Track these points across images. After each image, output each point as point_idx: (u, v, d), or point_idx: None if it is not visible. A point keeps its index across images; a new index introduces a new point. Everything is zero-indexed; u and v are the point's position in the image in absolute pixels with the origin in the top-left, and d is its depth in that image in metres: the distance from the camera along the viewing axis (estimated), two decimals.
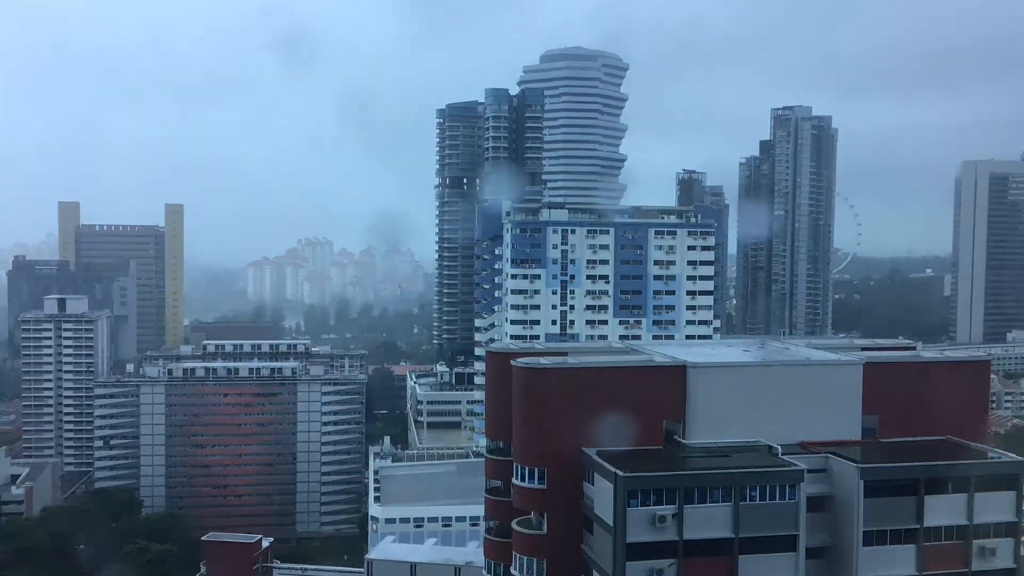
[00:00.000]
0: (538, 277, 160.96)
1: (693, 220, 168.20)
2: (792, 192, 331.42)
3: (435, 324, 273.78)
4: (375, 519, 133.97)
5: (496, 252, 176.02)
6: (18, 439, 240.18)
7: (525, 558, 57.98)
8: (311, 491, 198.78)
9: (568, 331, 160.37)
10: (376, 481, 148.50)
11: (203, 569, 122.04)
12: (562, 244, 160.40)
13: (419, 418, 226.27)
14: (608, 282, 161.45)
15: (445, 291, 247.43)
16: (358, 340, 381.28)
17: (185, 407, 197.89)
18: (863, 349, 66.87)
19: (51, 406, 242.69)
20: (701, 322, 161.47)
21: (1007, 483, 55.95)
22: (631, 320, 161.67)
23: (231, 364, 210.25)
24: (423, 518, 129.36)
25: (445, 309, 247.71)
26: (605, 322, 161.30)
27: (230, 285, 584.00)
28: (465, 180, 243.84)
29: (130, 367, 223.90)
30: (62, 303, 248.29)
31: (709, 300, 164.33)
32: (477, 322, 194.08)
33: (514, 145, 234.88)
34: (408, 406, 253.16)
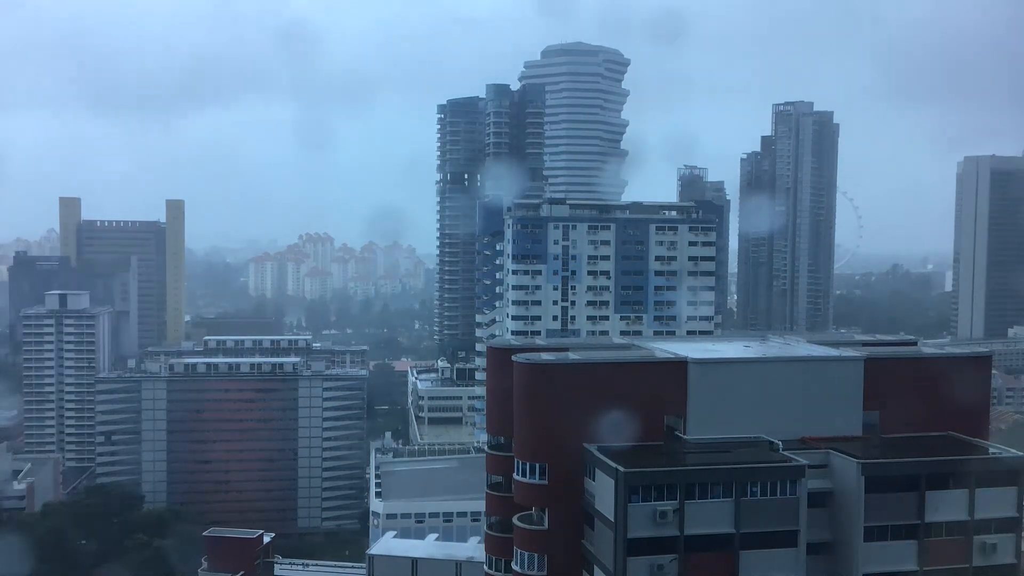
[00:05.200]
0: (539, 273, 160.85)
1: (694, 216, 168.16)
2: (793, 188, 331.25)
3: (436, 320, 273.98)
4: (376, 514, 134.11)
5: (497, 248, 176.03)
6: (19, 435, 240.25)
7: (526, 554, 58.01)
8: (312, 486, 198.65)
9: (569, 327, 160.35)
10: (377, 476, 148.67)
11: (204, 564, 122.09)
12: (563, 240, 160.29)
13: (420, 414, 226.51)
14: (609, 278, 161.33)
15: (446, 287, 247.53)
16: (359, 336, 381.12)
17: (186, 403, 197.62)
18: (864, 345, 66.78)
19: (52, 402, 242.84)
20: (702, 318, 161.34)
21: (1008, 479, 55.96)
22: (632, 316, 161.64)
23: (232, 360, 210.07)
24: (424, 513, 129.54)
25: (446, 305, 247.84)
26: (606, 318, 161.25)
27: (231, 281, 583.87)
28: (466, 176, 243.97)
29: (131, 363, 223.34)
30: (63, 299, 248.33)
31: (710, 296, 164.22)
32: (478, 318, 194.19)
33: (515, 141, 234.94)
34: (409, 402, 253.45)
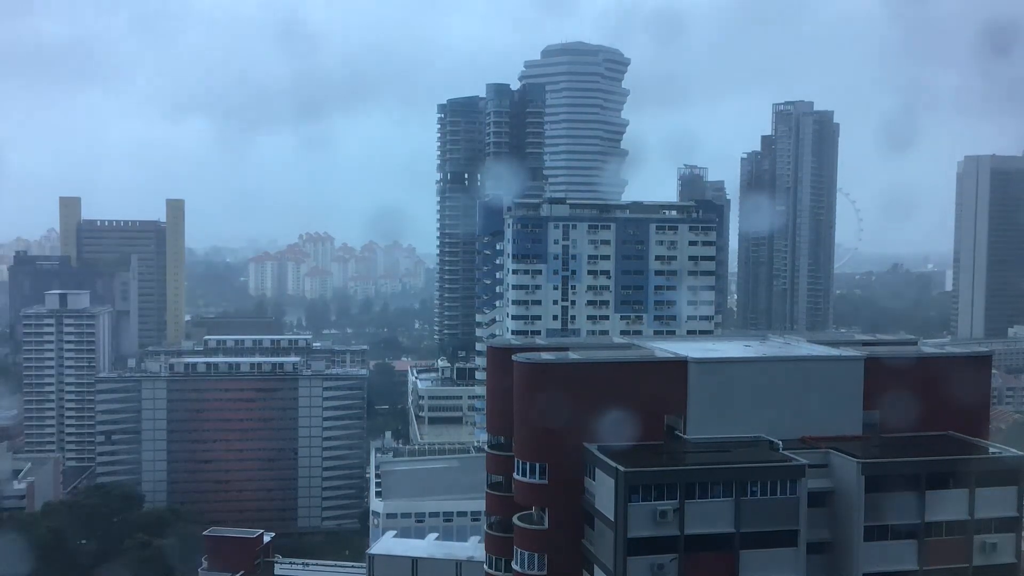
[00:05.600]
0: (539, 272, 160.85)
1: (694, 215, 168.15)
2: (793, 187, 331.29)
3: (436, 319, 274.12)
4: (376, 514, 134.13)
5: (497, 248, 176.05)
6: (19, 434, 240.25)
7: (526, 553, 58.02)
8: (312, 486, 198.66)
9: (569, 326, 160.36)
10: (377, 476, 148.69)
11: (205, 564, 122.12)
12: (563, 239, 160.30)
13: (420, 413, 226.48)
14: (609, 277, 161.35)
15: (446, 286, 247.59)
16: (359, 335, 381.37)
17: (186, 402, 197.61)
18: (864, 344, 66.79)
19: (52, 401, 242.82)
20: (702, 317, 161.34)
21: (1008, 478, 55.99)
22: (632, 316, 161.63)
23: (232, 359, 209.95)
24: (424, 513, 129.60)
25: (446, 304, 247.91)
26: (606, 317, 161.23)
27: (231, 280, 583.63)
28: (466, 175, 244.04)
29: (131, 362, 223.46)
30: (63, 298, 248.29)
31: (710, 295, 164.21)
32: (478, 317, 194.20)
33: (515, 140, 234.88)
34: (409, 401, 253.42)
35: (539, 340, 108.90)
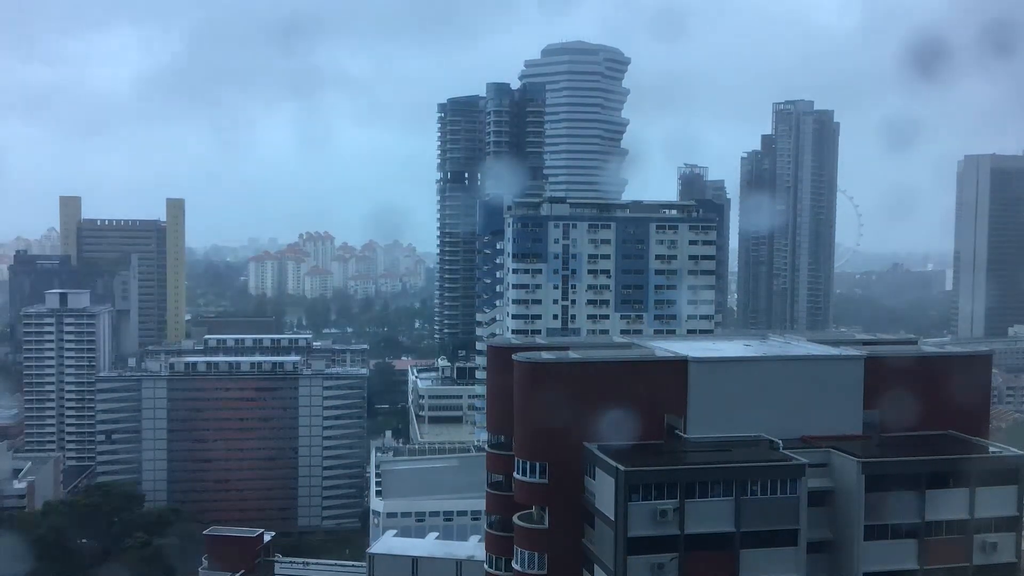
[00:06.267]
0: (539, 271, 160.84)
1: (694, 215, 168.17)
2: (794, 186, 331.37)
3: (436, 318, 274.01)
4: (376, 513, 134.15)
5: (497, 247, 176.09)
6: (20, 434, 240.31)
7: (526, 552, 58.05)
8: (312, 485, 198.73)
9: (569, 326, 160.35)
10: (378, 475, 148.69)
11: (205, 563, 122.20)
12: (563, 239, 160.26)
13: (420, 412, 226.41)
14: (609, 276, 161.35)
15: (446, 285, 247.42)
16: (359, 334, 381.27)
17: (187, 402, 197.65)
18: (864, 344, 66.78)
19: (53, 400, 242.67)
20: (702, 317, 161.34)
21: (1008, 478, 56.02)
22: (632, 315, 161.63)
23: (232, 359, 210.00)
24: (425, 512, 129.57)
25: (446, 303, 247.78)
26: (607, 317, 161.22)
27: (231, 279, 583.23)
28: (466, 174, 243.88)
29: (132, 361, 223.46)
30: (64, 298, 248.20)
31: (710, 295, 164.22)
32: (478, 316, 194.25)
33: (515, 139, 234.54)
34: (409, 400, 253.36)
35: (539, 339, 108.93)
